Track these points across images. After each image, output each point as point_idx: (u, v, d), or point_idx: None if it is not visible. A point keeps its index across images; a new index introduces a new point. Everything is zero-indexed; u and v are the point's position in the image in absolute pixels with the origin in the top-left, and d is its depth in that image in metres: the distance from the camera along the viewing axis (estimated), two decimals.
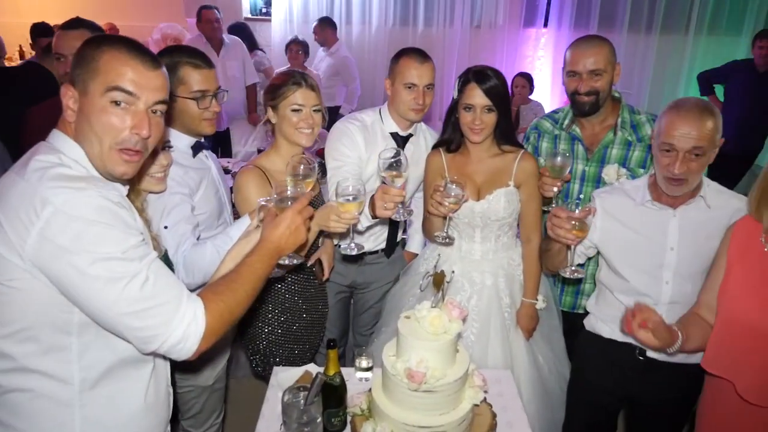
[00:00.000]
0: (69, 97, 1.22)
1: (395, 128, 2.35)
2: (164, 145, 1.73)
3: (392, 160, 1.74)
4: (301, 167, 1.65)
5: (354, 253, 1.81)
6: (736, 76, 4.87)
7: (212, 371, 2.12)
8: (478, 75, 2.04)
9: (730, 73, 4.94)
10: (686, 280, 1.79)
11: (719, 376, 1.64)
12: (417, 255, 2.58)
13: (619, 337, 1.90)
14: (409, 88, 2.22)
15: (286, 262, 1.54)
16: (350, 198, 1.67)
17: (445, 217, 1.98)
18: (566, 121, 2.30)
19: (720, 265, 1.66)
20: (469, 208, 2.14)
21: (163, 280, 1.17)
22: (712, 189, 1.80)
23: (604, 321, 1.96)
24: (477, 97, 2.03)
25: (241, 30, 5.52)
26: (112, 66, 1.20)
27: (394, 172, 1.74)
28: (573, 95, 2.18)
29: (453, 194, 1.85)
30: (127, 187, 1.36)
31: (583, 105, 2.17)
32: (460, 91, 2.08)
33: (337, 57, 5.50)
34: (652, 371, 1.86)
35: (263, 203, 1.57)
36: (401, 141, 2.36)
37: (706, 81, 5.09)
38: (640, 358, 1.87)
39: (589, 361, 2.03)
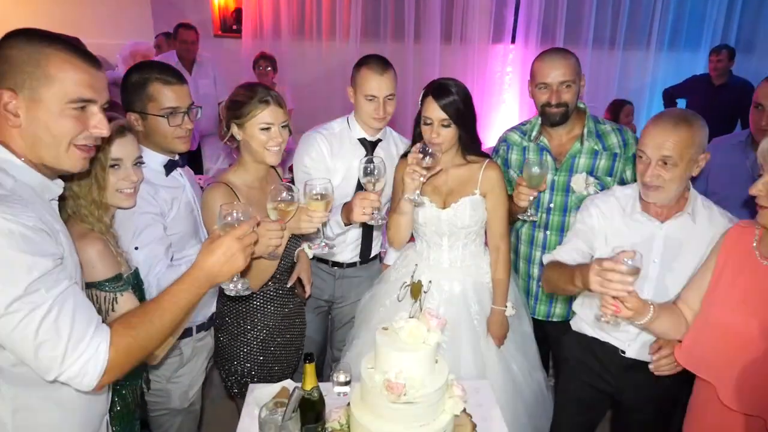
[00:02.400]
0: (11, 104, 1.15)
1: (363, 134, 2.39)
2: (136, 162, 1.70)
3: (370, 166, 1.84)
4: (284, 194, 1.65)
5: (326, 251, 1.86)
6: (695, 90, 5.08)
7: (187, 394, 2.07)
8: (437, 89, 2.08)
9: (690, 86, 5.15)
10: (665, 290, 1.82)
11: (699, 377, 1.67)
12: None
13: (602, 336, 1.95)
14: (370, 100, 2.25)
15: (231, 287, 1.42)
16: (318, 197, 1.72)
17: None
18: (534, 133, 2.34)
19: (708, 268, 1.68)
20: (436, 216, 2.18)
21: (68, 312, 1.12)
22: (698, 204, 1.83)
23: (587, 323, 2.00)
24: (434, 111, 2.07)
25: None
26: (66, 73, 1.17)
27: (372, 178, 1.85)
28: (543, 107, 2.23)
29: (429, 157, 1.92)
30: (61, 189, 1.31)
31: (554, 116, 2.22)
32: (421, 103, 2.13)
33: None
34: (635, 369, 1.89)
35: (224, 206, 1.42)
36: (370, 146, 2.39)
37: (669, 96, 5.30)
38: (623, 354, 1.91)
39: (577, 359, 2.06)
